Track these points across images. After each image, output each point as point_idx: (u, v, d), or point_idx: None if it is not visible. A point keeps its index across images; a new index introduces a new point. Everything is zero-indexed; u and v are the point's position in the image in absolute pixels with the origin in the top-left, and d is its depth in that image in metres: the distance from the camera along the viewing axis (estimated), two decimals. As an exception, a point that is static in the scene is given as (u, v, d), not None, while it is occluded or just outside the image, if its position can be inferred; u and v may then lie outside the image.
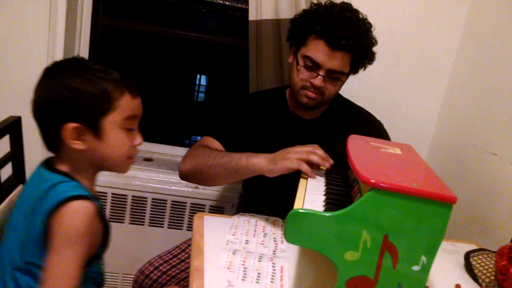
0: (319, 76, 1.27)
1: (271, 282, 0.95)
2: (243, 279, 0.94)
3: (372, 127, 1.41)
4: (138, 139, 0.94)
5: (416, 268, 0.77)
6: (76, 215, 0.81)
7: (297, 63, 1.30)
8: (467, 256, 1.19)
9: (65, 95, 0.84)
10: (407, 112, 1.87)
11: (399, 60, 1.80)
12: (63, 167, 0.89)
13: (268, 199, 1.38)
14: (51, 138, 0.88)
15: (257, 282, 0.94)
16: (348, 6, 1.31)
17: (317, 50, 1.26)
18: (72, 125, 0.84)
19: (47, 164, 0.90)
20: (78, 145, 0.85)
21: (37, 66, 1.66)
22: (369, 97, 1.71)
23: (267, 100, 1.46)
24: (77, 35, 1.78)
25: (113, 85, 0.87)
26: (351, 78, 1.38)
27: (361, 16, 1.31)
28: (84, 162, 0.89)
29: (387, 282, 0.78)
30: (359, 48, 1.26)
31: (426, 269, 0.77)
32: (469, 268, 1.15)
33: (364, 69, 1.37)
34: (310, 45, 1.27)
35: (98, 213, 0.86)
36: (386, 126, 1.45)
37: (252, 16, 1.64)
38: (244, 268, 0.98)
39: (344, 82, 1.35)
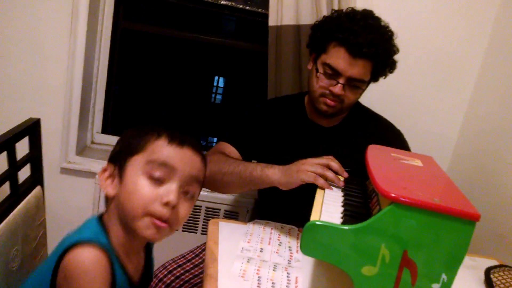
0: (339, 84, 1.25)
1: None
2: None
3: (393, 137, 1.39)
4: (167, 195, 0.75)
5: (436, 286, 0.74)
6: (83, 264, 0.70)
7: (317, 70, 1.28)
8: (488, 272, 1.15)
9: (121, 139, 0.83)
10: (428, 122, 1.83)
11: (421, 69, 1.77)
12: (106, 219, 0.80)
13: (284, 206, 1.37)
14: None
15: None
16: (370, 13, 1.29)
17: (337, 57, 1.24)
18: (106, 165, 0.80)
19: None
20: (107, 186, 0.78)
21: (57, 68, 1.70)
22: (389, 106, 1.68)
23: (285, 107, 1.45)
24: (98, 37, 1.79)
25: (153, 128, 0.80)
26: (371, 86, 1.36)
27: (383, 23, 1.29)
28: (113, 211, 0.79)
29: (405, 299, 0.76)
30: (381, 56, 1.25)
31: (446, 287, 0.75)
32: (489, 285, 1.12)
33: (385, 78, 1.35)
34: (330, 52, 1.26)
35: (108, 263, 0.73)
36: (407, 137, 1.42)
37: (272, 22, 1.62)
38: (259, 277, 0.97)
39: (364, 90, 1.32)
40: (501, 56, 1.67)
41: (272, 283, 0.96)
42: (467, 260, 1.24)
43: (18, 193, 0.94)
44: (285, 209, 1.32)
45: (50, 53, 1.68)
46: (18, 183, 0.94)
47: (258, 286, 0.94)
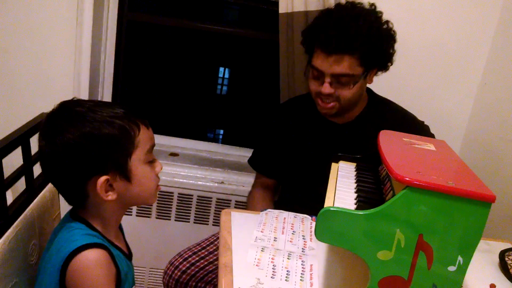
0: (325, 84, 1.25)
1: (301, 280, 0.94)
2: (272, 277, 0.93)
3: (416, 131, 1.35)
4: (158, 166, 0.90)
5: (452, 268, 0.74)
6: (89, 268, 0.78)
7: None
8: (502, 255, 1.15)
9: (87, 146, 0.79)
10: (439, 106, 1.81)
11: (431, 53, 1.75)
12: (85, 214, 0.85)
13: (303, 200, 1.38)
14: (76, 194, 0.84)
15: (286, 280, 0.93)
16: (351, 6, 1.27)
17: (317, 58, 1.26)
18: (103, 178, 0.80)
19: (72, 210, 0.88)
20: (110, 195, 0.82)
21: (65, 63, 1.70)
22: (399, 91, 1.67)
23: (299, 108, 1.46)
24: (104, 30, 1.79)
25: (128, 121, 0.82)
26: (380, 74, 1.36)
27: (364, 12, 1.25)
28: (113, 208, 0.86)
29: (421, 283, 0.76)
30: (362, 46, 1.21)
31: (462, 269, 0.75)
32: (504, 267, 1.12)
33: (391, 64, 1.33)
34: (314, 55, 1.28)
35: (111, 259, 0.82)
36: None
37: (282, 9, 1.58)
38: (273, 265, 0.97)
39: (360, 83, 1.28)
40: (510, 41, 1.65)
41: (287, 271, 0.96)
42: (481, 244, 1.23)
43: (34, 187, 0.95)
44: (304, 202, 1.34)
45: (57, 47, 1.69)
46: (33, 178, 0.95)
47: (273, 274, 0.94)
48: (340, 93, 1.27)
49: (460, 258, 0.74)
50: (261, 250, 1.03)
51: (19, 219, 0.87)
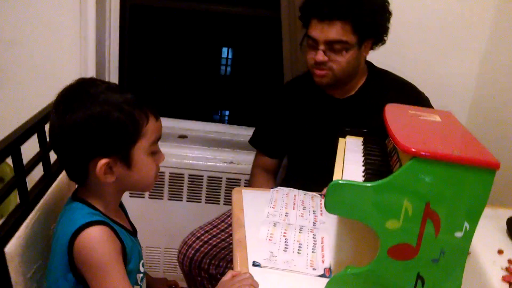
0: (319, 51, 1.28)
1: (313, 252, 0.97)
2: (284, 250, 0.96)
3: (416, 102, 1.36)
4: (161, 157, 0.91)
5: (459, 234, 0.77)
6: (94, 244, 0.80)
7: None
8: (510, 221, 1.17)
9: (94, 128, 0.80)
10: (444, 76, 1.81)
11: (435, 21, 1.74)
12: (86, 195, 0.88)
13: (309, 176, 1.40)
14: (77, 171, 0.86)
15: (298, 253, 0.96)
16: None
17: (312, 27, 1.30)
18: (104, 160, 0.81)
19: (74, 192, 0.91)
20: (109, 178, 0.84)
21: (70, 50, 1.72)
22: (403, 61, 1.68)
23: (300, 87, 1.49)
24: (107, 15, 1.80)
25: (139, 110, 0.83)
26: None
27: None
28: (111, 190, 0.88)
29: (429, 249, 0.78)
30: (354, 12, 1.25)
31: (469, 235, 0.77)
32: (511, 234, 1.14)
33: (386, 36, 1.34)
34: (310, 25, 1.31)
35: (114, 234, 0.84)
36: (423, 90, 1.42)
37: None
38: (285, 239, 1.01)
39: (353, 52, 1.30)
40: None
41: (299, 244, 1.00)
42: (489, 211, 1.24)
43: (51, 173, 0.98)
44: (312, 174, 1.36)
45: (62, 36, 1.71)
46: (50, 164, 0.98)
47: (285, 247, 0.98)
48: (334, 61, 1.30)
49: (466, 224, 0.76)
50: (273, 225, 1.06)
51: (39, 204, 0.90)
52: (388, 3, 1.33)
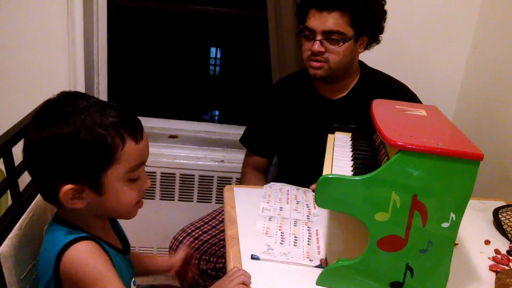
0: (316, 41, 1.30)
1: (308, 244, 0.99)
2: (281, 243, 0.98)
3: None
4: (146, 183, 0.84)
5: (445, 225, 0.79)
6: (84, 258, 0.75)
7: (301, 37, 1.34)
8: (496, 212, 1.20)
9: (60, 149, 0.73)
10: (431, 70, 1.84)
11: (421, 16, 1.77)
12: (67, 215, 0.82)
13: (301, 175, 1.42)
14: (47, 193, 0.80)
15: (294, 245, 0.98)
16: None
17: (310, 17, 1.31)
18: (69, 186, 0.74)
19: (55, 213, 0.85)
20: (77, 204, 0.77)
21: (59, 54, 1.71)
22: (392, 58, 1.70)
23: (291, 86, 1.49)
24: (95, 17, 1.80)
25: (114, 132, 0.75)
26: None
27: None
28: (87, 214, 0.81)
29: (417, 240, 0.80)
30: (350, 4, 1.26)
31: (455, 225, 0.79)
32: (498, 224, 1.17)
33: (381, 32, 1.36)
34: (308, 16, 1.32)
35: (99, 245, 0.79)
36: (411, 86, 1.44)
37: (268, -16, 1.61)
38: (281, 232, 1.02)
39: (349, 44, 1.31)
40: (499, 0, 1.66)
41: (295, 237, 1.01)
42: (476, 203, 1.29)
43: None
44: (303, 174, 1.38)
45: (50, 40, 1.71)
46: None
47: (282, 240, 0.99)
48: (330, 52, 1.31)
49: (452, 215, 0.78)
50: (269, 220, 1.07)
51: (32, 205, 0.90)
52: (385, 1, 1.35)
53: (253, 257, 0.93)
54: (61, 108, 0.75)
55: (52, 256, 0.76)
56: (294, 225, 1.06)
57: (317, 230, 1.05)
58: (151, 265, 1.10)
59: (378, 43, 1.39)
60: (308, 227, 1.06)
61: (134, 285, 0.93)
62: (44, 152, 0.74)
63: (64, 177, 0.75)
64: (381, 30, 1.37)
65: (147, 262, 1.09)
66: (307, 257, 0.94)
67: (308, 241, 1.00)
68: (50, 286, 0.78)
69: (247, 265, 0.91)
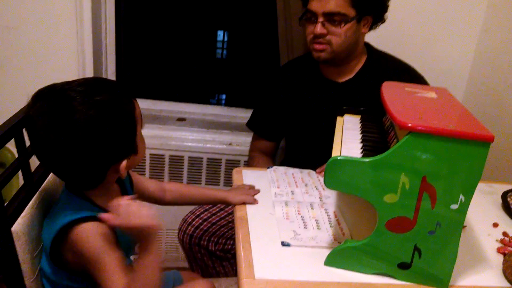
0: (318, 24, 1.28)
1: (331, 227, 1.00)
2: (305, 227, 0.99)
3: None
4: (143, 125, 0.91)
5: (454, 206, 0.79)
6: (87, 236, 0.79)
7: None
8: (505, 195, 1.20)
9: (103, 133, 0.78)
10: (441, 53, 1.81)
11: (430, 1, 1.74)
12: (89, 193, 0.87)
13: (309, 159, 1.42)
14: (92, 179, 0.84)
15: (318, 229, 0.99)
16: None
17: (311, 0, 1.29)
18: (124, 163, 0.83)
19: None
20: (125, 171, 0.85)
21: (68, 36, 1.71)
22: (401, 39, 1.67)
23: (298, 69, 1.48)
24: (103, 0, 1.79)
25: (127, 100, 0.83)
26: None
27: None
28: (113, 180, 0.89)
29: (426, 222, 0.80)
30: None
31: (464, 207, 0.79)
32: (506, 207, 1.17)
33: (385, 10, 1.34)
34: (309, 0, 1.31)
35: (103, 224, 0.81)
36: (420, 69, 1.42)
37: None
38: (302, 217, 1.03)
39: (351, 25, 1.29)
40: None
41: (316, 220, 1.02)
42: (485, 186, 1.29)
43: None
44: (310, 157, 1.38)
45: (59, 20, 1.70)
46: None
47: (304, 225, 1.00)
48: (332, 33, 1.29)
49: (461, 197, 0.78)
50: (285, 204, 1.08)
51: (43, 185, 0.92)
52: None
53: (284, 244, 0.93)
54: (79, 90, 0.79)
55: (58, 227, 0.80)
56: (312, 208, 1.07)
57: (334, 212, 1.06)
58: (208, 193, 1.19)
59: (383, 22, 1.36)
60: (325, 209, 1.07)
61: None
62: (85, 141, 0.77)
63: (116, 158, 0.82)
64: (385, 8, 1.34)
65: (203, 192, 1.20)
66: (335, 239, 0.95)
67: (329, 223, 1.01)
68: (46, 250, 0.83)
69: (280, 251, 0.91)
